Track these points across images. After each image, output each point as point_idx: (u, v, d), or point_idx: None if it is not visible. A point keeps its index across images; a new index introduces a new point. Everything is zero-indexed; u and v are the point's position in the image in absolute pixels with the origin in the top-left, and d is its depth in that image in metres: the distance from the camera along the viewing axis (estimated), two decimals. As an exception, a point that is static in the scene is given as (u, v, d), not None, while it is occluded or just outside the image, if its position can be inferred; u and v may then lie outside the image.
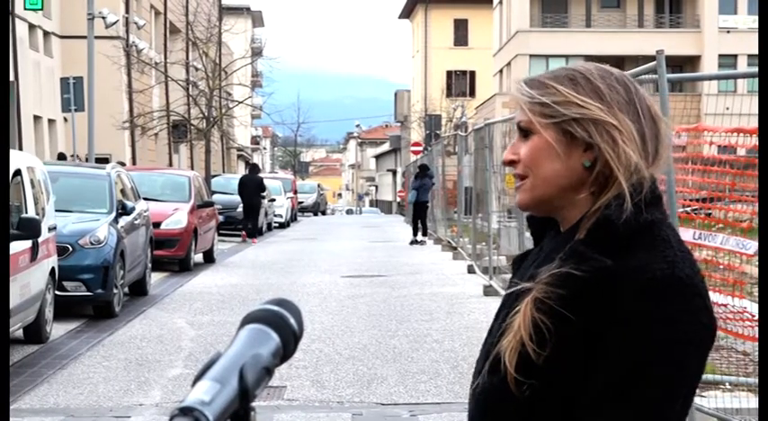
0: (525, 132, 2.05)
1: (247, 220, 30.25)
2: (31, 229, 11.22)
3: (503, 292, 14.94)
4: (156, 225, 18.95)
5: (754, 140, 7.31)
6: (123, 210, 15.59)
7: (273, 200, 37.78)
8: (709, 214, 8.05)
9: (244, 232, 30.17)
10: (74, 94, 27.17)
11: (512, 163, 2.07)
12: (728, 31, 52.61)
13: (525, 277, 2.06)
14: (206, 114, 36.39)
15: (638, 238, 1.95)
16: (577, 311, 1.91)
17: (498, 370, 1.98)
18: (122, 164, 25.10)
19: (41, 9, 31.69)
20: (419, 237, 29.02)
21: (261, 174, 34.06)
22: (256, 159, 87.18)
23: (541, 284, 1.94)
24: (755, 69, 7.60)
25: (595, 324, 1.90)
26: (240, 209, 32.39)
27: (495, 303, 16.77)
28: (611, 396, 1.88)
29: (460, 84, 71.58)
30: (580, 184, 2.01)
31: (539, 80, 2.05)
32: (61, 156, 27.49)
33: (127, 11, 38.27)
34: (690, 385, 1.94)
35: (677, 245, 1.98)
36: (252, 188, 30.09)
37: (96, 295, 13.89)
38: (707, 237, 7.48)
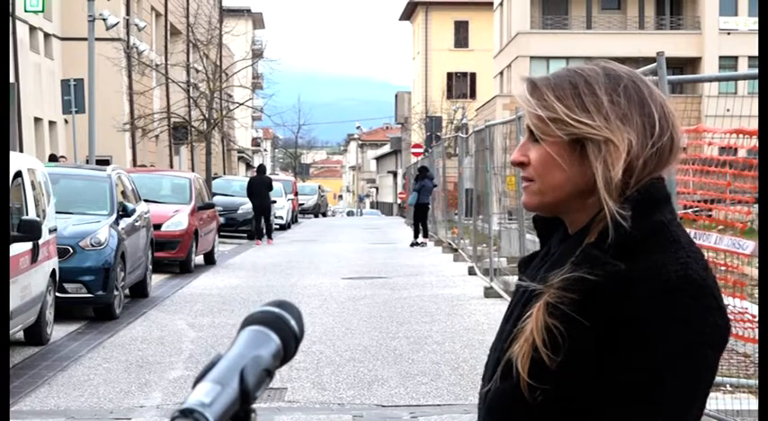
0: (534, 136, 2.04)
1: (258, 223, 30.20)
2: (31, 231, 11.22)
3: (503, 294, 14.85)
4: (157, 227, 18.95)
5: (754, 141, 7.31)
6: (124, 212, 15.60)
7: (274, 201, 37.79)
8: (710, 215, 8.06)
9: (257, 239, 30.01)
10: (74, 95, 27.21)
11: (521, 164, 2.06)
12: (729, 33, 52.63)
13: (534, 280, 2.04)
14: (206, 116, 36.40)
15: (650, 240, 1.94)
16: (591, 316, 1.89)
17: (510, 375, 1.96)
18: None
19: (42, 11, 31.72)
20: (420, 238, 29.04)
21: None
22: (257, 161, 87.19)
23: (554, 289, 1.93)
24: (756, 71, 7.60)
25: (610, 328, 1.89)
26: (241, 210, 32.36)
27: (495, 305, 16.81)
28: (629, 400, 1.88)
29: (461, 85, 71.64)
30: (589, 190, 2.00)
31: (540, 88, 2.02)
32: None
33: (127, 13, 38.28)
34: (706, 386, 1.94)
35: (688, 245, 1.97)
36: (263, 188, 30.06)
37: (97, 297, 13.89)
38: (701, 237, 7.48)
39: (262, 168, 32.75)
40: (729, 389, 8.37)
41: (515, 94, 2.08)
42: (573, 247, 2.00)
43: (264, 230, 30.12)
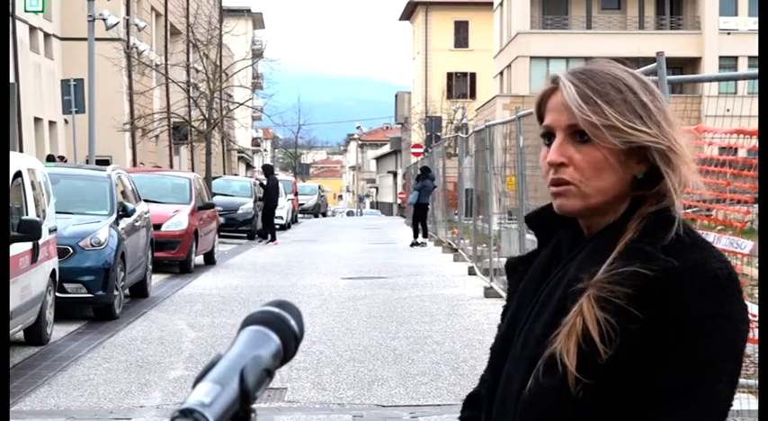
0: (582, 136, 2.01)
1: (266, 225, 30.18)
2: (31, 231, 11.23)
3: (504, 294, 14.80)
4: (157, 227, 18.95)
5: (754, 141, 7.32)
6: (124, 212, 15.60)
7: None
8: (709, 215, 8.06)
9: (275, 240, 29.96)
10: (74, 95, 27.21)
11: (559, 165, 2.02)
12: (729, 33, 52.62)
13: (554, 280, 2.06)
14: (206, 116, 36.38)
15: (683, 239, 1.98)
16: (645, 310, 1.91)
17: (555, 371, 1.96)
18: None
19: (42, 11, 31.71)
20: (419, 238, 29.03)
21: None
22: (257, 161, 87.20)
23: (604, 283, 1.94)
24: (756, 71, 7.61)
25: (660, 322, 1.91)
26: (241, 210, 32.35)
27: (495, 305, 16.80)
28: (679, 393, 1.90)
29: (461, 85, 71.64)
30: (627, 192, 2.03)
31: (587, 93, 2.00)
32: None
33: (127, 13, 38.28)
34: None
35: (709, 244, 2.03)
36: (273, 190, 30.07)
37: (97, 297, 13.89)
38: (699, 236, 7.47)
39: (269, 169, 32.56)
40: (729, 389, 8.34)
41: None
42: (602, 245, 2.01)
43: (268, 231, 30.14)
